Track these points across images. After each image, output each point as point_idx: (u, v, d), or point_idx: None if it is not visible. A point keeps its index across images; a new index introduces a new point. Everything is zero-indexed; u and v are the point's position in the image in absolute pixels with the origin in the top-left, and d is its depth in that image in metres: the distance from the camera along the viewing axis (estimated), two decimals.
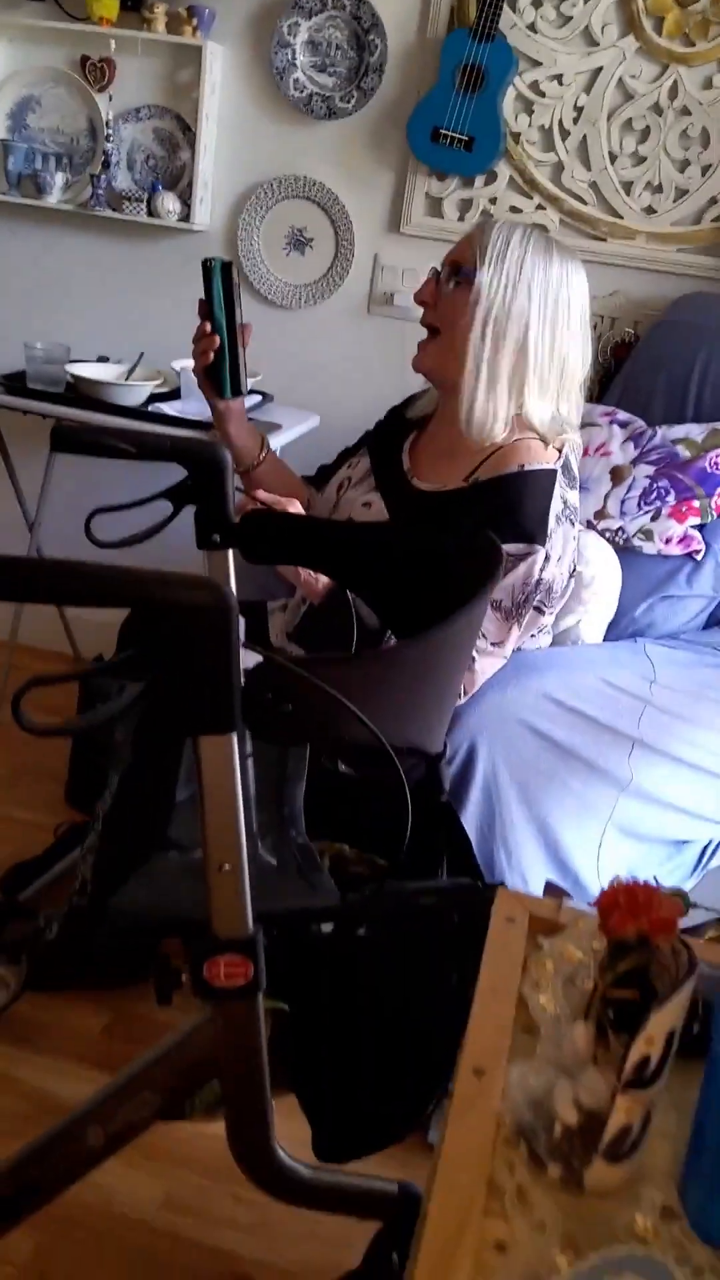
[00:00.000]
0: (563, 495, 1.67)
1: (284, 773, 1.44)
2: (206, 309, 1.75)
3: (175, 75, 2.77)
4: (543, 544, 1.62)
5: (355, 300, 2.81)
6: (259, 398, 2.68)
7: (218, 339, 1.72)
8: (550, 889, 0.94)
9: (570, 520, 1.67)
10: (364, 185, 2.75)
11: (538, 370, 1.66)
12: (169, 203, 2.78)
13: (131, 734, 1.09)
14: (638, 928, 0.65)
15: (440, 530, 1.59)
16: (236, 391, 1.76)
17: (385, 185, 2.73)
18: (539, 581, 1.63)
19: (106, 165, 2.81)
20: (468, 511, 1.64)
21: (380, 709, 1.05)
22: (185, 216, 2.78)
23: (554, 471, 1.66)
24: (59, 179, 2.86)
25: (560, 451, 1.71)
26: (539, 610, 1.65)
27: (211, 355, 1.76)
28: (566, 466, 1.71)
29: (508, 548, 1.59)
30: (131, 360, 2.66)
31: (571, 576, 1.76)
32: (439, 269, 1.73)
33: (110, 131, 2.80)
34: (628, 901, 0.66)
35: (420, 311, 1.74)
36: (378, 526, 1.63)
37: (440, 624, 1.09)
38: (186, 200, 2.80)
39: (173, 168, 2.84)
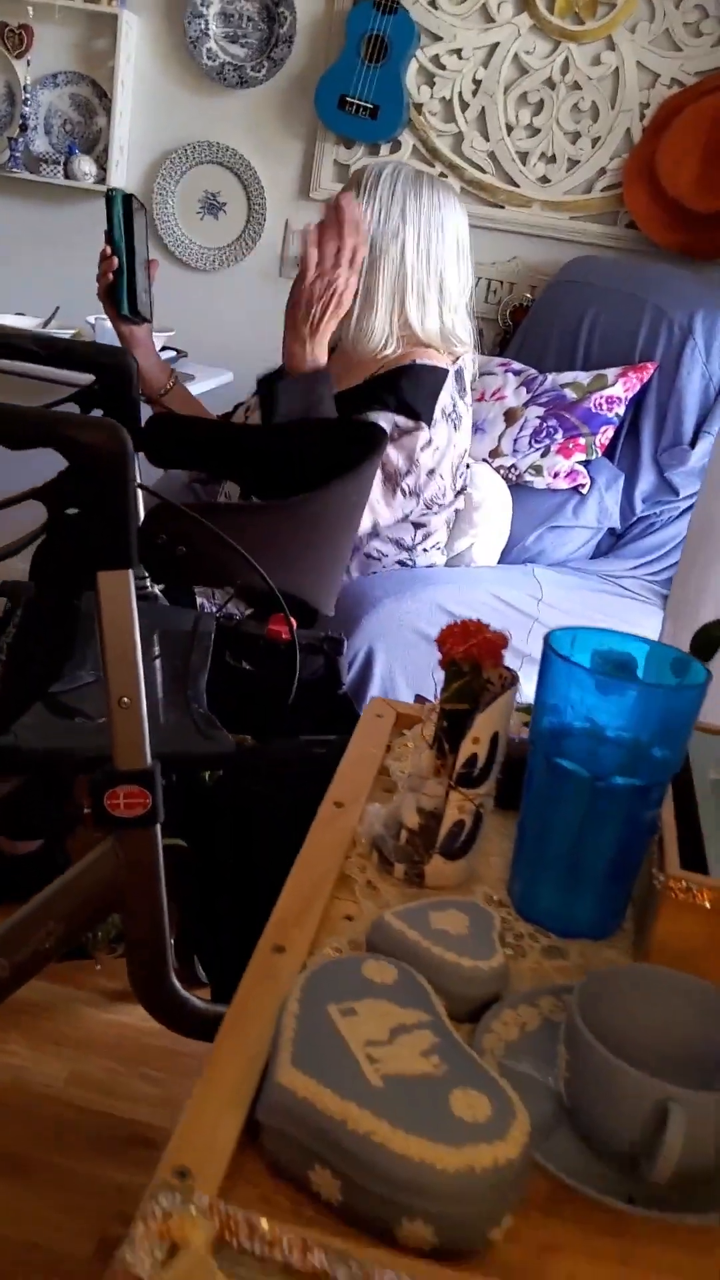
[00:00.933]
0: (452, 396, 1.78)
1: (188, 666, 1.52)
2: (109, 236, 1.84)
3: (92, 43, 2.85)
4: (428, 423, 1.72)
5: (267, 262, 2.92)
6: (173, 353, 2.76)
7: (116, 260, 1.81)
8: (420, 699, 1.04)
9: (454, 424, 1.78)
10: (275, 152, 2.86)
11: (416, 286, 1.76)
12: (85, 166, 2.86)
13: (32, 569, 1.17)
14: (466, 650, 0.76)
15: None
16: (135, 310, 1.84)
17: (295, 152, 2.85)
18: (416, 462, 1.73)
19: (24, 129, 2.88)
20: (363, 400, 1.74)
21: (269, 557, 1.15)
22: (101, 180, 2.86)
23: (446, 370, 1.77)
24: None
25: (455, 361, 1.82)
26: (423, 502, 1.75)
27: (111, 276, 1.84)
28: (459, 374, 1.82)
29: (397, 418, 1.70)
30: (48, 315, 2.73)
31: (459, 494, 1.87)
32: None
33: (28, 96, 2.87)
34: (460, 631, 0.77)
35: None
36: (279, 424, 1.73)
37: (325, 485, 1.19)
38: (103, 164, 2.88)
39: (89, 133, 2.92)
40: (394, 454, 1.69)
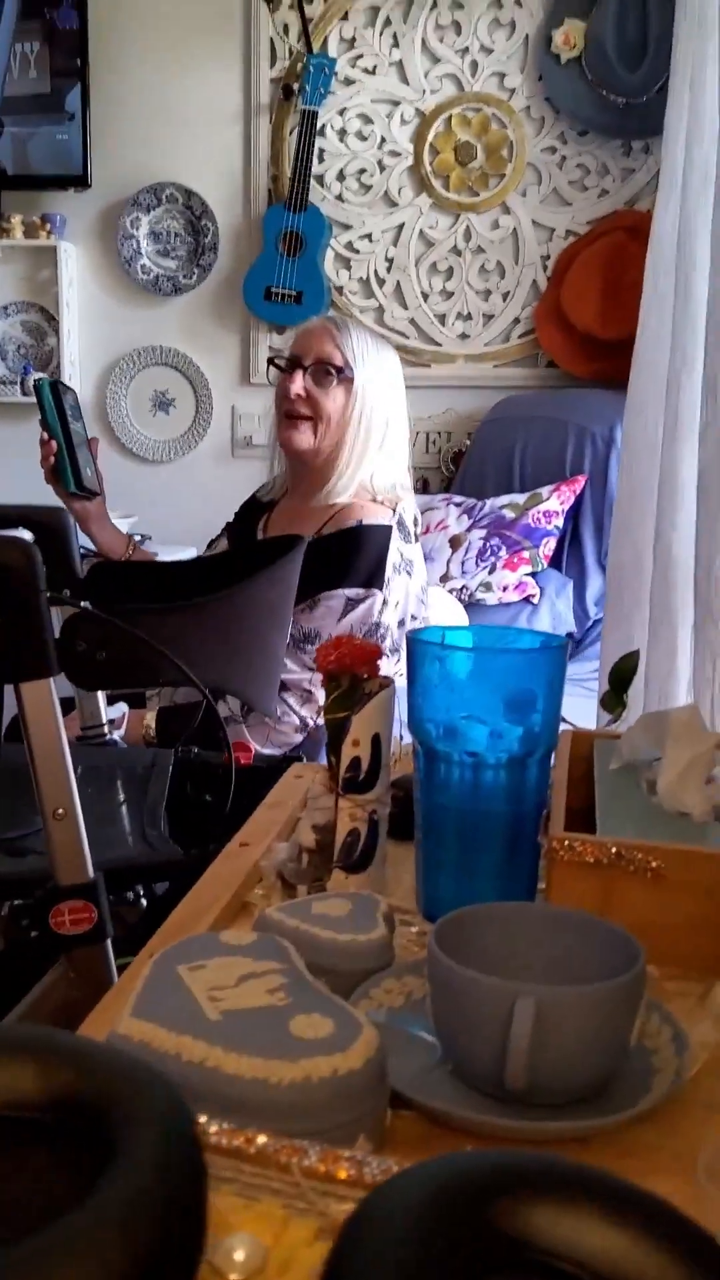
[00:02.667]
0: (399, 548, 1.84)
1: (146, 800, 1.52)
2: (44, 422, 1.94)
3: (37, 274, 3.11)
4: (380, 588, 1.78)
5: (219, 446, 3.08)
6: (137, 536, 2.88)
7: (55, 443, 1.90)
8: None
9: (407, 572, 1.84)
10: (214, 346, 3.07)
11: (387, 445, 1.85)
12: (37, 375, 3.06)
13: None
14: (338, 660, 0.77)
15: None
16: (79, 484, 1.93)
17: (232, 344, 3.06)
18: (378, 624, 1.78)
19: None
20: (312, 560, 1.79)
21: (193, 658, 1.17)
22: None
23: (390, 527, 1.84)
24: None
25: (395, 510, 1.89)
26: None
27: (53, 459, 1.93)
28: (401, 523, 1.89)
29: (348, 592, 1.75)
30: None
31: (403, 625, 1.92)
32: (304, 365, 1.91)
33: None
34: (332, 645, 0.78)
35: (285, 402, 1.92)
36: (218, 554, 1.78)
37: (244, 581, 1.23)
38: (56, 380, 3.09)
39: (42, 352, 3.15)
40: (349, 621, 1.73)
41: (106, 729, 1.71)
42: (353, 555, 1.80)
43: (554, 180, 2.81)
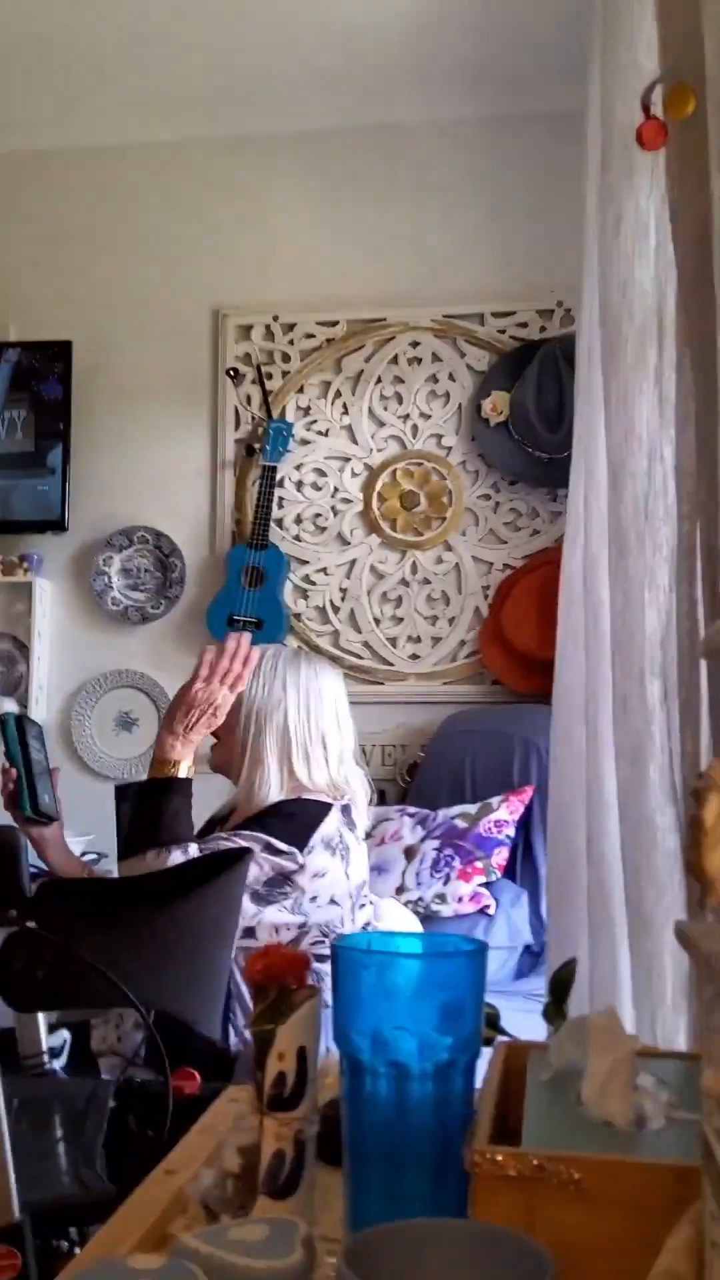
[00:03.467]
0: (338, 828, 1.87)
1: (83, 1127, 1.45)
2: (6, 753, 2.02)
3: (11, 606, 3.31)
4: (300, 849, 1.78)
5: None
6: (94, 855, 2.88)
7: (15, 771, 1.97)
8: None
9: (343, 856, 1.86)
10: (177, 669, 3.21)
11: (300, 746, 1.93)
12: (7, 705, 3.17)
13: None
14: (266, 969, 0.78)
15: None
16: (35, 809, 1.97)
17: None
18: (292, 881, 1.76)
19: None
20: (247, 825, 1.82)
21: (134, 974, 1.17)
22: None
23: (327, 804, 1.88)
24: None
25: (339, 798, 1.94)
26: (316, 927, 1.77)
27: (12, 785, 1.99)
28: (346, 809, 1.93)
29: (268, 838, 1.76)
30: None
31: (364, 927, 1.91)
32: None
33: None
34: (260, 954, 0.80)
35: None
36: (166, 870, 1.78)
37: (184, 895, 1.25)
38: (24, 702, 3.20)
39: (12, 678, 3.29)
40: (264, 866, 1.74)
41: (46, 1058, 1.64)
42: (281, 817, 1.82)
43: (490, 522, 3.11)
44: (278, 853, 1.76)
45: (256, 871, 1.74)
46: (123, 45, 2.88)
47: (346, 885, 1.86)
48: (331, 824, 1.86)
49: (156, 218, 3.34)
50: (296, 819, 1.82)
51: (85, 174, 3.38)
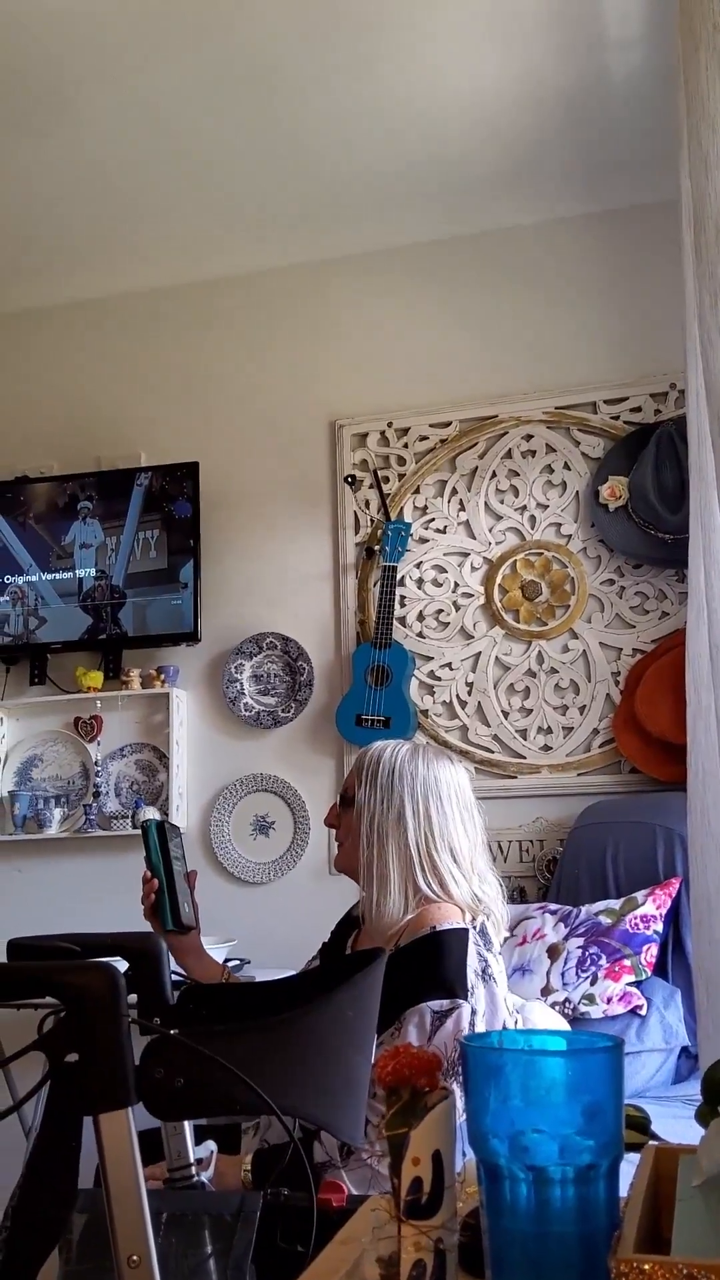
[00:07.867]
0: (480, 954, 1.82)
1: (231, 1243, 1.43)
2: (148, 860, 2.07)
3: (150, 717, 3.42)
4: (465, 997, 1.74)
5: (317, 864, 3.17)
6: (236, 962, 2.89)
7: (157, 881, 2.01)
8: None
9: (491, 981, 1.80)
10: (310, 770, 3.25)
11: (427, 860, 1.89)
12: (150, 813, 3.25)
13: (40, 1121, 1.17)
14: (395, 1071, 0.76)
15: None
16: (177, 923, 2.00)
17: (327, 768, 3.24)
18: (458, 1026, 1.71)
19: (96, 795, 3.34)
20: (391, 976, 1.78)
21: (274, 1081, 1.16)
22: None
23: (466, 930, 1.84)
24: (57, 814, 3.37)
25: (475, 917, 1.89)
26: None
27: (154, 896, 2.03)
28: (483, 932, 1.88)
29: (433, 1004, 1.71)
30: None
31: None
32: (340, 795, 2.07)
33: (99, 769, 3.38)
34: (390, 1054, 0.78)
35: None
36: (305, 972, 1.77)
37: (322, 998, 1.24)
38: (165, 810, 3.28)
39: (153, 786, 3.38)
40: (440, 1039, 1.68)
41: (194, 1169, 1.63)
42: (430, 963, 1.77)
43: (615, 607, 3.07)
44: (442, 1017, 1.70)
45: (418, 1035, 1.69)
46: (232, 179, 3.09)
47: (501, 1012, 1.81)
48: (474, 953, 1.80)
49: (271, 339, 3.51)
50: (450, 957, 1.76)
51: (203, 306, 3.59)
